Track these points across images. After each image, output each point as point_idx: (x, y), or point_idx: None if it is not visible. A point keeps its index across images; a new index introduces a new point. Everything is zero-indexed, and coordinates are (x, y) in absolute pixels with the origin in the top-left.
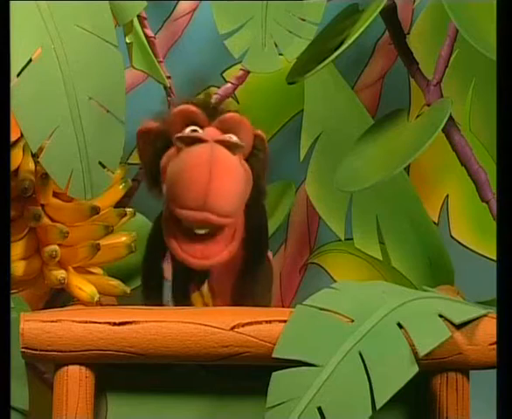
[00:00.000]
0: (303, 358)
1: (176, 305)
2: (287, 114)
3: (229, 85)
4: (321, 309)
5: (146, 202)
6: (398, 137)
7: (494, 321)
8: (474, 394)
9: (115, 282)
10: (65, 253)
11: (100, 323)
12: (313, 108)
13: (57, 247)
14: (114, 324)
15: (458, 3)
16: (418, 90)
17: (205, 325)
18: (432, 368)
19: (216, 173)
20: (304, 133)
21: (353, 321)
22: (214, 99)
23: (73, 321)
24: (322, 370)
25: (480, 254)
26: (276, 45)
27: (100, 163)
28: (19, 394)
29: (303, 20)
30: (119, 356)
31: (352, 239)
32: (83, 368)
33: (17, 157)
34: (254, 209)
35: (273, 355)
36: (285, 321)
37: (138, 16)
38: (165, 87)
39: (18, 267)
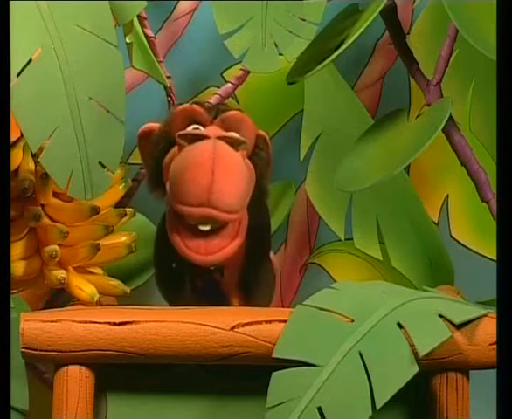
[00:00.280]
0: (303, 358)
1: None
2: (287, 114)
3: (229, 85)
4: (321, 309)
5: (146, 202)
6: (398, 137)
7: (494, 321)
8: (474, 394)
9: (115, 282)
10: (65, 253)
11: (100, 323)
12: (313, 108)
13: (57, 247)
14: (114, 324)
15: (458, 3)
16: (418, 90)
17: (205, 325)
18: (432, 368)
19: (219, 169)
20: (304, 134)
21: (353, 321)
22: (215, 99)
23: (73, 321)
24: (322, 370)
25: (480, 254)
26: (276, 45)
27: (100, 163)
28: (19, 394)
29: (303, 20)
30: (119, 356)
31: (352, 239)
32: (83, 368)
33: (17, 157)
34: (257, 207)
35: (273, 355)
36: (285, 321)
37: (138, 16)
38: (165, 87)
39: (18, 267)
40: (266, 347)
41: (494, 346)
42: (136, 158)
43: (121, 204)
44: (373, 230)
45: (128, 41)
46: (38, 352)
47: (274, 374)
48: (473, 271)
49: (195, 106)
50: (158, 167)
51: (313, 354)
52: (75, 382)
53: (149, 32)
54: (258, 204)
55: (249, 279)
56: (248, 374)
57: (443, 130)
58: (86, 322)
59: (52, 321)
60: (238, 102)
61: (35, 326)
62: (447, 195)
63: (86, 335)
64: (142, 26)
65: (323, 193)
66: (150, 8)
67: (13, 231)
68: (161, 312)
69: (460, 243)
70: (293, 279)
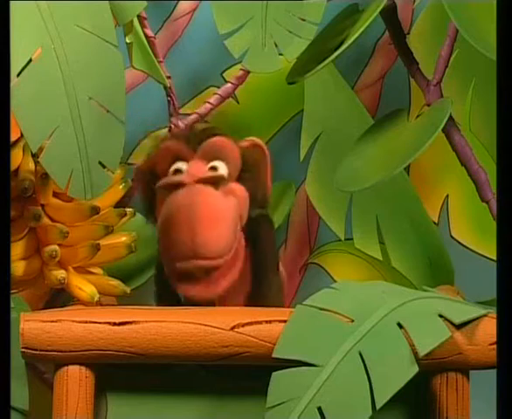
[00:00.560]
0: (303, 358)
1: None
2: (287, 114)
3: (229, 85)
4: (321, 309)
5: None
6: (398, 137)
7: (494, 321)
8: (474, 394)
9: (115, 282)
10: (65, 253)
11: (100, 323)
12: (313, 108)
13: (57, 247)
14: (114, 324)
15: (458, 3)
16: (418, 90)
17: (205, 325)
18: (432, 368)
19: (199, 221)
20: (304, 133)
21: (353, 321)
22: (215, 99)
23: (73, 321)
24: (322, 370)
25: (480, 254)
26: (276, 45)
27: (100, 163)
28: (19, 394)
29: (303, 20)
30: (119, 356)
31: (352, 239)
32: (83, 368)
33: (17, 157)
34: (257, 223)
35: (273, 355)
36: (285, 321)
37: (138, 16)
38: (165, 87)
39: (18, 267)
40: (266, 347)
41: (494, 346)
42: (136, 158)
43: (121, 204)
44: (373, 230)
45: (127, 41)
46: (38, 352)
47: (274, 374)
48: (473, 271)
49: (175, 143)
50: (150, 201)
51: (313, 354)
52: (75, 382)
53: (149, 32)
54: (257, 220)
55: (258, 294)
56: (248, 374)
57: (443, 130)
58: (86, 322)
59: (52, 321)
60: (238, 102)
61: (35, 326)
62: (447, 195)
63: (86, 335)
64: (142, 26)
65: (323, 193)
66: (150, 8)
67: (13, 231)
68: (161, 312)
69: (460, 243)
70: (293, 279)
